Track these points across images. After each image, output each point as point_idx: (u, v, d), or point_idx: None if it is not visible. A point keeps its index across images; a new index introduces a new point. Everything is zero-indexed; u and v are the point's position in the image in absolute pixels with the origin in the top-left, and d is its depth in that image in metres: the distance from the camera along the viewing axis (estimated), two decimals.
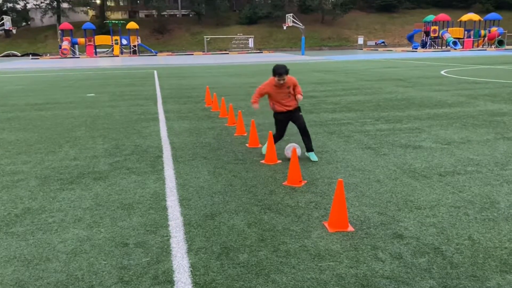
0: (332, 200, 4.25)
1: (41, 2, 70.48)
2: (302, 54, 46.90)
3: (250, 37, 61.64)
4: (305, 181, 5.01)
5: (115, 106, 11.45)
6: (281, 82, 5.60)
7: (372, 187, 4.79)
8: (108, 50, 54.38)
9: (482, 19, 51.47)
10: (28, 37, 70.49)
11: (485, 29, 51.81)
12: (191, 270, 3.13)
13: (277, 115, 5.98)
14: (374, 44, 69.09)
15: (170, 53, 57.59)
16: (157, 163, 5.96)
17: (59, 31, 53.40)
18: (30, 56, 55.63)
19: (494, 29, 50.49)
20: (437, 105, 10.36)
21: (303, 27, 48.31)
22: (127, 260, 3.30)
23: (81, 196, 4.70)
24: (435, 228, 3.72)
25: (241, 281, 2.98)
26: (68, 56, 50.65)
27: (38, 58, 50.86)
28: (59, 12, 70.16)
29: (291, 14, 50.42)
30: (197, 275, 3.06)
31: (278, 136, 6.11)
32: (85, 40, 51.84)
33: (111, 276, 3.07)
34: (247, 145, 6.86)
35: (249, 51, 58.67)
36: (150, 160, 6.09)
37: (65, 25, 52.43)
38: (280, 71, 5.55)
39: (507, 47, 50.50)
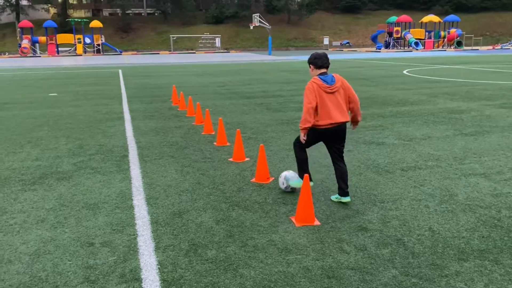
0: (298, 196, 4.33)
1: None
2: (269, 54, 47.14)
3: (217, 37, 61.42)
4: (273, 178, 5.07)
5: (78, 106, 11.18)
6: None
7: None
8: (70, 49, 52.90)
9: (442, 21, 53.26)
10: None
11: (444, 30, 53.63)
12: (159, 268, 3.11)
13: None
14: (339, 44, 70.24)
15: (135, 52, 56.62)
16: (123, 162, 5.87)
17: (18, 29, 51.49)
18: None
19: (453, 30, 52.33)
20: (400, 103, 10.68)
21: (269, 27, 48.55)
22: (93, 259, 3.25)
23: (44, 197, 4.58)
24: (397, 221, 3.85)
25: (210, 277, 2.99)
26: (29, 55, 48.94)
27: None
28: (18, 10, 67.59)
29: (258, 14, 50.57)
30: (165, 272, 3.05)
31: None
32: (47, 39, 50.20)
33: (77, 276, 3.02)
34: (215, 143, 6.86)
35: (216, 51, 58.48)
36: (116, 160, 6.00)
37: (25, 23, 50.60)
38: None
39: (465, 48, 52.46)
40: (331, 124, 4.05)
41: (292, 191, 4.54)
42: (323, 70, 4.18)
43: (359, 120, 4.38)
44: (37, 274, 3.05)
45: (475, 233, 3.60)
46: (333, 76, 4.13)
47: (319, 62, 4.15)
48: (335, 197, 4.34)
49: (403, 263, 3.13)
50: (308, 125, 4.06)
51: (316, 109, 4.03)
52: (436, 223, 3.79)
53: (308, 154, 4.49)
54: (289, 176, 4.46)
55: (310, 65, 4.26)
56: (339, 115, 4.06)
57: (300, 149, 4.41)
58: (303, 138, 4.16)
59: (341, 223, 3.82)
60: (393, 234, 3.59)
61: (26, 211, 4.20)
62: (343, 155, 4.31)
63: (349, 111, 4.25)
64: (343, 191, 4.25)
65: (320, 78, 4.10)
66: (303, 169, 4.43)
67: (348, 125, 4.33)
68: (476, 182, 4.85)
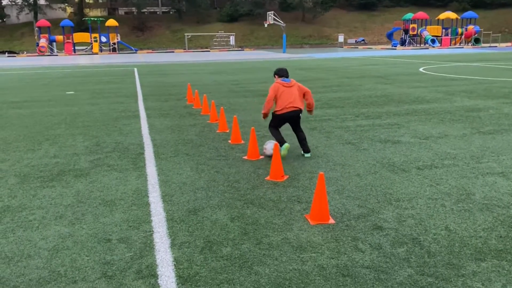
0: (313, 194, 4.33)
1: None
2: (284, 52, 47.04)
3: (231, 35, 61.50)
4: (287, 176, 5.07)
5: (95, 104, 11.33)
6: None
7: (352, 181, 4.88)
8: (87, 48, 53.54)
9: (459, 18, 52.42)
10: (4, 34, 68.88)
11: (462, 27, 52.80)
12: (174, 264, 3.15)
13: None
14: (354, 42, 69.70)
15: (151, 51, 57.05)
16: (138, 160, 5.94)
17: (36, 28, 52.31)
18: (6, 54, 54.39)
19: (470, 27, 51.49)
20: (416, 101, 10.56)
21: (284, 25, 48.41)
22: (110, 255, 3.30)
23: (62, 194, 4.66)
24: (413, 220, 3.82)
25: (225, 274, 3.01)
26: (46, 53, 49.69)
27: (15, 56, 49.76)
28: (35, 9, 68.65)
29: (272, 12, 50.42)
30: (181, 269, 3.09)
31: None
32: (63, 38, 50.88)
33: (94, 271, 3.07)
34: (229, 141, 6.89)
35: (230, 49, 58.55)
36: (132, 157, 6.07)
37: (42, 22, 51.36)
38: None
39: (483, 45, 51.58)
40: (290, 107, 5.66)
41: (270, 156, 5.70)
42: (283, 78, 5.89)
43: (312, 107, 6.08)
44: (56, 269, 3.11)
45: (493, 232, 3.55)
46: (290, 79, 5.85)
47: (281, 73, 5.96)
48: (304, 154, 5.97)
49: (419, 262, 3.11)
50: (265, 111, 5.82)
51: (276, 100, 5.75)
52: (453, 223, 3.75)
53: (280, 130, 5.95)
54: (268, 147, 5.83)
55: (275, 76, 6.01)
56: (294, 101, 5.69)
57: (274, 129, 5.91)
58: (263, 118, 5.97)
59: (356, 221, 3.81)
60: (408, 233, 3.56)
61: (45, 207, 4.29)
62: (300, 126, 5.96)
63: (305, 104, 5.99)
64: (304, 149, 5.93)
65: (282, 80, 5.84)
66: (280, 140, 5.80)
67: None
68: (494, 181, 4.78)
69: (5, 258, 3.29)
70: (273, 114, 5.85)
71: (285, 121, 5.81)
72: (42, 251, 3.38)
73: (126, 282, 2.93)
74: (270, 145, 5.79)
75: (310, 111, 6.13)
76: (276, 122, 5.85)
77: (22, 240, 3.57)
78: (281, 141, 5.76)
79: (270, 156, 5.68)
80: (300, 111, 5.76)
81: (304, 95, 5.90)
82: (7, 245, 3.50)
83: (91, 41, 51.98)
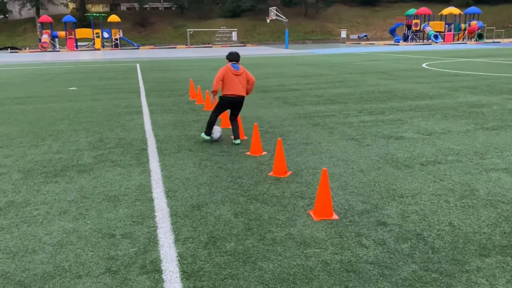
0: (316, 190, 4.33)
1: None
2: (286, 48, 46.92)
3: (234, 30, 61.38)
4: (290, 172, 5.07)
5: (97, 100, 11.33)
6: None
7: (355, 176, 4.88)
8: (89, 44, 53.52)
9: (462, 13, 52.18)
10: (6, 30, 68.91)
11: (465, 22, 52.56)
12: (178, 259, 3.16)
13: None
14: (357, 37, 69.50)
15: (153, 47, 57.00)
16: (142, 155, 5.94)
17: (39, 24, 52.31)
18: (9, 50, 54.43)
19: (474, 23, 51.25)
20: (419, 97, 10.53)
21: (286, 20, 48.27)
22: (114, 250, 3.31)
23: (66, 189, 4.67)
24: (417, 215, 3.82)
25: (229, 269, 3.02)
26: (48, 49, 49.70)
27: (17, 52, 49.79)
28: (38, 5, 68.62)
29: (274, 7, 50.25)
30: (185, 264, 3.09)
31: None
32: (66, 34, 50.89)
33: (99, 267, 3.08)
34: (232, 137, 6.88)
35: (233, 44, 58.44)
36: (135, 153, 6.07)
37: (45, 18, 51.37)
38: None
39: (486, 40, 51.34)
40: (234, 94, 6.17)
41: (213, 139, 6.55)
42: (233, 62, 6.25)
43: (249, 93, 6.50)
44: (60, 264, 3.12)
45: (497, 228, 3.55)
46: (239, 66, 6.26)
47: (230, 57, 6.28)
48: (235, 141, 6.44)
49: (423, 258, 3.11)
50: (214, 89, 6.19)
51: (223, 82, 6.16)
52: (457, 218, 3.75)
53: (217, 120, 6.61)
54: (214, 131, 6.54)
55: (226, 59, 6.37)
56: (239, 90, 6.20)
57: (214, 116, 6.39)
58: (212, 99, 6.36)
59: (360, 217, 3.81)
60: (412, 229, 3.56)
61: (49, 202, 4.30)
62: (237, 117, 6.43)
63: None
64: (236, 137, 6.38)
65: (231, 65, 6.22)
66: (210, 131, 6.46)
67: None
68: (498, 177, 4.77)
69: (10, 253, 3.30)
70: (220, 97, 6.31)
71: (230, 105, 6.29)
72: (47, 246, 3.40)
73: (130, 277, 2.94)
74: (217, 133, 6.53)
75: (246, 93, 6.58)
76: (222, 106, 6.32)
77: (26, 235, 3.59)
78: (209, 132, 6.45)
79: (217, 140, 6.56)
80: (243, 98, 6.33)
81: (247, 81, 6.35)
82: (12, 240, 3.51)
83: (93, 37, 51.94)
